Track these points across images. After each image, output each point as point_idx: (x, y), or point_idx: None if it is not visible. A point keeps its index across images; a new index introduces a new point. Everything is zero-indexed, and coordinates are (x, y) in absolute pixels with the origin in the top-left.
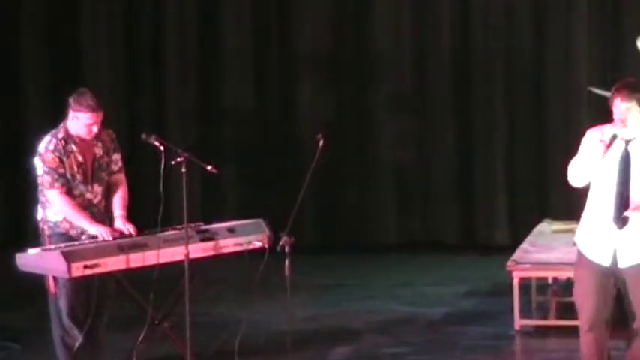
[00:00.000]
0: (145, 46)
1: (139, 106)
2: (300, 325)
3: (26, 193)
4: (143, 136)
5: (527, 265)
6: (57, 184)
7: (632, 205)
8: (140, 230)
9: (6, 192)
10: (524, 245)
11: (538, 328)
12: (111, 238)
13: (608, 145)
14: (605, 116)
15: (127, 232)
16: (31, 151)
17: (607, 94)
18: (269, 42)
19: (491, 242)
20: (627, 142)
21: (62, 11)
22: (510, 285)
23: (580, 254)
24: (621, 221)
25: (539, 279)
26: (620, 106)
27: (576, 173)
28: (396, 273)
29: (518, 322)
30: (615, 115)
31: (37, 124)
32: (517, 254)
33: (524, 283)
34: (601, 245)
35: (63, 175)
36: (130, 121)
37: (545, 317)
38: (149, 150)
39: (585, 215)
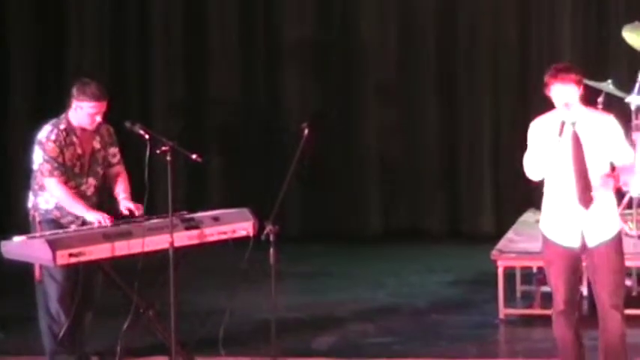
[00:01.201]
0: (132, 36)
1: (125, 97)
2: (285, 313)
3: (11, 184)
4: (127, 124)
5: (512, 255)
6: (56, 173)
7: (596, 183)
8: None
9: None
10: (509, 235)
11: (523, 316)
12: (109, 223)
13: (560, 132)
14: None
15: (134, 211)
16: (18, 143)
17: (593, 82)
18: (255, 33)
19: (477, 232)
20: (573, 124)
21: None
22: (495, 274)
23: (547, 240)
24: (587, 201)
25: (523, 268)
26: (561, 90)
27: (533, 167)
28: (382, 262)
29: (503, 311)
30: (557, 100)
31: (23, 114)
32: (502, 244)
33: (509, 273)
34: (568, 229)
35: (62, 165)
36: (116, 112)
37: (529, 306)
38: (133, 139)
39: (546, 203)
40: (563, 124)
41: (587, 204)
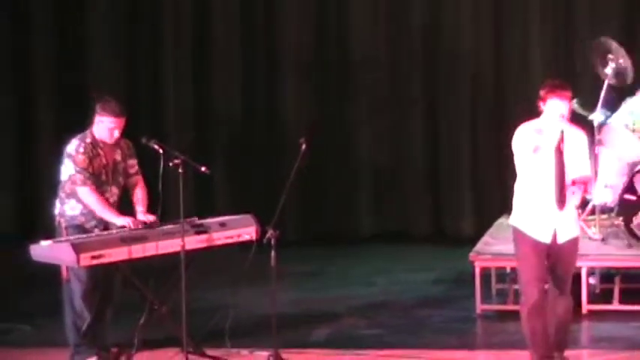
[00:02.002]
0: (143, 58)
1: (139, 112)
2: (285, 309)
3: (38, 192)
4: (144, 140)
5: (488, 256)
6: (88, 182)
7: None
8: (158, 220)
9: (20, 188)
10: (485, 238)
11: (498, 312)
12: (136, 227)
13: (561, 140)
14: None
15: (148, 222)
16: (43, 153)
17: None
18: (257, 51)
19: (458, 234)
20: (561, 133)
21: (70, 20)
22: (473, 274)
23: (522, 234)
24: (563, 202)
25: (498, 268)
26: (559, 104)
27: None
28: (372, 262)
29: (480, 307)
30: (552, 113)
31: (47, 125)
32: (479, 246)
33: (485, 272)
34: (543, 225)
35: (92, 174)
36: (130, 127)
37: (504, 303)
38: (149, 152)
39: (523, 201)
40: (537, 148)
41: (562, 206)
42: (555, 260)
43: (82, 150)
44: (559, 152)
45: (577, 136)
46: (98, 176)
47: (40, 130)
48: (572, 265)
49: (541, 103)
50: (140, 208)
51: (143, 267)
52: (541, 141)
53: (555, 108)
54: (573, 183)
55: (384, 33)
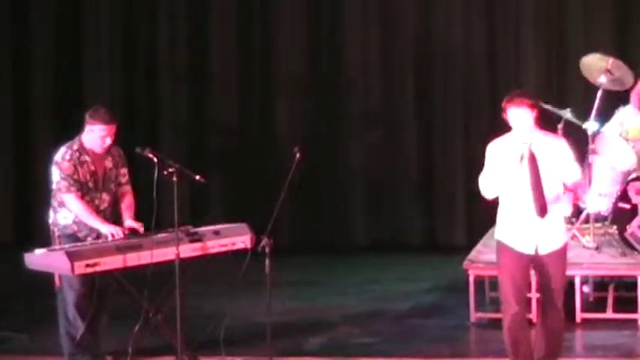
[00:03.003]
0: (141, 70)
1: (135, 123)
2: (279, 317)
3: (33, 199)
4: (138, 149)
5: (481, 265)
6: (73, 189)
7: (550, 197)
8: (145, 231)
9: (15, 197)
10: (479, 247)
11: (491, 320)
12: (122, 235)
13: (522, 158)
14: (551, 127)
15: (136, 229)
16: (40, 159)
17: (555, 110)
18: (251, 64)
19: (451, 244)
20: (529, 145)
21: (68, 35)
22: (467, 282)
23: (504, 246)
24: (543, 212)
25: (491, 277)
26: (516, 113)
27: (488, 187)
28: (366, 271)
29: (474, 315)
30: (512, 123)
31: (44, 135)
32: (472, 254)
33: (479, 281)
34: (524, 238)
35: (77, 181)
36: (127, 136)
37: (497, 311)
38: (143, 161)
39: (504, 214)
40: (522, 155)
41: (543, 215)
42: (540, 272)
43: (67, 157)
44: (532, 162)
45: (554, 144)
46: (85, 184)
47: (37, 137)
48: (559, 276)
49: (504, 115)
50: (127, 214)
51: (138, 275)
52: (506, 155)
53: (515, 117)
54: (565, 191)
55: (377, 43)
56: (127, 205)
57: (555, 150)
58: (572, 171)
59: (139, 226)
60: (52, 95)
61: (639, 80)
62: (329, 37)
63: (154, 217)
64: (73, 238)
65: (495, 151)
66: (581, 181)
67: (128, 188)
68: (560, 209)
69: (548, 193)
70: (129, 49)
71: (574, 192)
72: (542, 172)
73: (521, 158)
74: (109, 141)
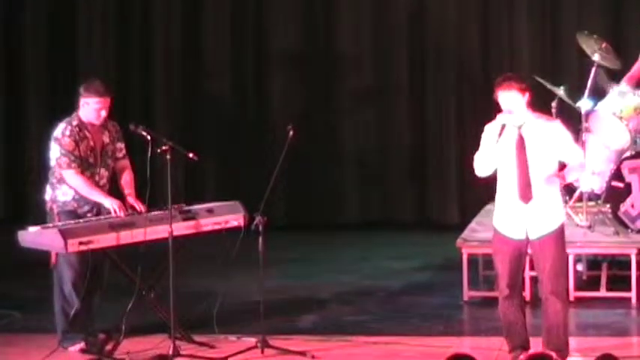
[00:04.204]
0: (135, 47)
1: (128, 101)
2: (272, 295)
3: (27, 176)
4: (131, 127)
5: (475, 243)
6: (73, 165)
7: (538, 181)
8: (146, 207)
9: (8, 173)
10: (472, 225)
11: (484, 299)
12: (122, 214)
13: (500, 134)
14: (545, 107)
15: (137, 209)
16: (32, 137)
17: (550, 85)
18: (246, 42)
19: (443, 221)
20: (519, 127)
21: (61, 17)
22: (460, 260)
23: (496, 231)
24: (527, 198)
25: (485, 255)
26: (505, 96)
27: (480, 165)
28: (358, 249)
29: (467, 293)
30: (502, 106)
31: (36, 111)
32: (466, 233)
33: (472, 259)
34: (514, 222)
35: (78, 157)
36: (121, 116)
37: (491, 289)
38: (137, 138)
39: (497, 198)
40: (503, 127)
41: (526, 200)
42: (535, 257)
43: (68, 133)
44: (520, 146)
45: (548, 127)
46: (85, 159)
47: (29, 114)
48: (554, 262)
49: (495, 98)
50: (128, 191)
51: (131, 253)
52: (504, 136)
53: (504, 100)
54: (562, 177)
55: (370, 20)
56: (127, 181)
57: (549, 132)
58: (571, 153)
59: (140, 206)
60: (45, 71)
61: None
62: (323, 14)
63: (147, 194)
64: (73, 214)
65: (490, 132)
66: (581, 164)
67: (126, 163)
68: (553, 193)
69: (538, 176)
70: (122, 25)
71: (562, 178)
72: (531, 156)
73: (500, 133)
74: (104, 113)
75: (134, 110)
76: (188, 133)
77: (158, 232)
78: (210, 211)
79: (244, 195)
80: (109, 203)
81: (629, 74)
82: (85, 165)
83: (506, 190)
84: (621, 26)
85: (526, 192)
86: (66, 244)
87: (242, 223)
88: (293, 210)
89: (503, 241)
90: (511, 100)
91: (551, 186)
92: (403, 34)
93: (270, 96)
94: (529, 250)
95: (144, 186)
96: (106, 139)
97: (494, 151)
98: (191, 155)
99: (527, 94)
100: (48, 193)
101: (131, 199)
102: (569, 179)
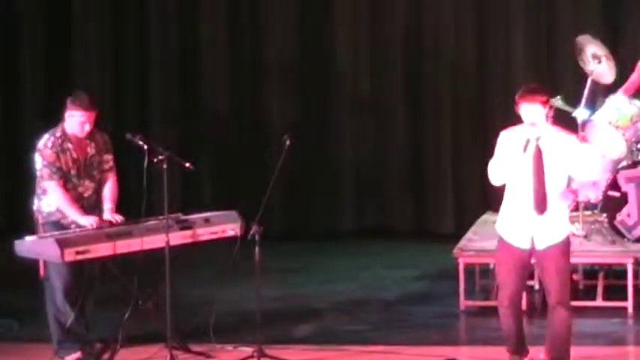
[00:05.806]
0: (132, 58)
1: (125, 108)
2: (269, 304)
3: (24, 185)
4: (128, 136)
5: (472, 252)
6: (55, 177)
7: (552, 194)
8: (127, 220)
9: (6, 184)
10: (469, 234)
11: (481, 308)
12: (95, 226)
13: (525, 149)
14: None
15: (114, 222)
16: (29, 146)
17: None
18: (242, 51)
19: (440, 231)
20: (537, 139)
21: (58, 23)
22: (456, 270)
23: (501, 240)
24: (542, 209)
25: (482, 264)
26: (529, 109)
27: (496, 173)
28: (355, 258)
29: (464, 302)
30: (524, 118)
31: (33, 122)
32: (462, 242)
33: (469, 268)
34: (520, 232)
35: (60, 169)
36: (117, 122)
37: (487, 299)
38: (133, 148)
39: (504, 207)
40: (528, 142)
41: (541, 212)
42: (540, 268)
43: (50, 145)
44: (537, 157)
45: (564, 141)
46: (67, 171)
47: (25, 123)
48: (559, 273)
49: (517, 109)
50: (108, 206)
51: (128, 262)
52: (516, 146)
53: (526, 113)
54: (574, 192)
55: (368, 29)
56: (107, 193)
57: (564, 146)
58: (582, 170)
59: (116, 219)
60: (41, 80)
61: (637, 66)
62: (320, 24)
63: (144, 204)
64: (58, 225)
65: (506, 140)
66: (592, 182)
67: (111, 175)
68: (562, 205)
69: (551, 189)
70: (118, 29)
71: (575, 193)
72: (546, 168)
73: (525, 148)
74: (87, 127)
75: (129, 113)
76: (185, 142)
77: (155, 241)
78: (207, 221)
79: (241, 204)
80: (84, 221)
81: (625, 85)
82: (67, 177)
83: (517, 199)
84: (618, 37)
85: (542, 204)
86: (62, 253)
87: (239, 233)
88: (289, 219)
89: (508, 251)
90: (534, 112)
91: (566, 201)
92: (400, 44)
93: (267, 104)
94: (532, 260)
95: (140, 195)
96: (91, 150)
97: (516, 162)
98: (187, 165)
99: (547, 107)
100: (34, 204)
101: (108, 214)
102: (581, 197)
